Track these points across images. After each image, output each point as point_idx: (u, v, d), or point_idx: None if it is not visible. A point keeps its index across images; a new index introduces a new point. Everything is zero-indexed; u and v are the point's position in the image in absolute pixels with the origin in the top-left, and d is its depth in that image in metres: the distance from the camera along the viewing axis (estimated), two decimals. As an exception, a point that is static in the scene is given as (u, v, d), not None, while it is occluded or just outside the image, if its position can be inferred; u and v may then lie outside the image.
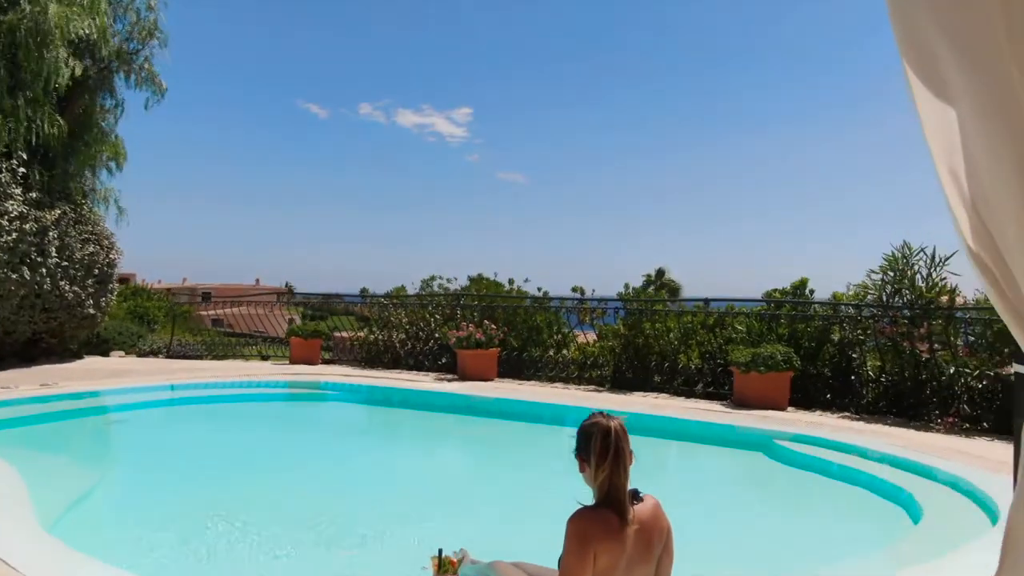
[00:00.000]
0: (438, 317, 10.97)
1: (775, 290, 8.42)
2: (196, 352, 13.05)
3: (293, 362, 11.23)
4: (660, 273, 59.08)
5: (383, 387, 8.73)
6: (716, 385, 8.24)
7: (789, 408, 7.39)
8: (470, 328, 9.43)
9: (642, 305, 9.03)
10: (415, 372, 10.37)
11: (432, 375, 9.99)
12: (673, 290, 59.35)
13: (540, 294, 10.72)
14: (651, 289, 58.77)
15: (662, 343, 8.81)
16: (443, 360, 10.43)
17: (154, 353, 13.39)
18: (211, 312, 79.10)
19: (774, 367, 7.25)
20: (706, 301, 8.71)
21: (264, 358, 12.47)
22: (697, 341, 8.86)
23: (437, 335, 10.63)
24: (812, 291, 8.12)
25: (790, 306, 8.13)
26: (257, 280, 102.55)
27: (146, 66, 10.84)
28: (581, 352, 9.57)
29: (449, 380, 9.34)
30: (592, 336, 10.23)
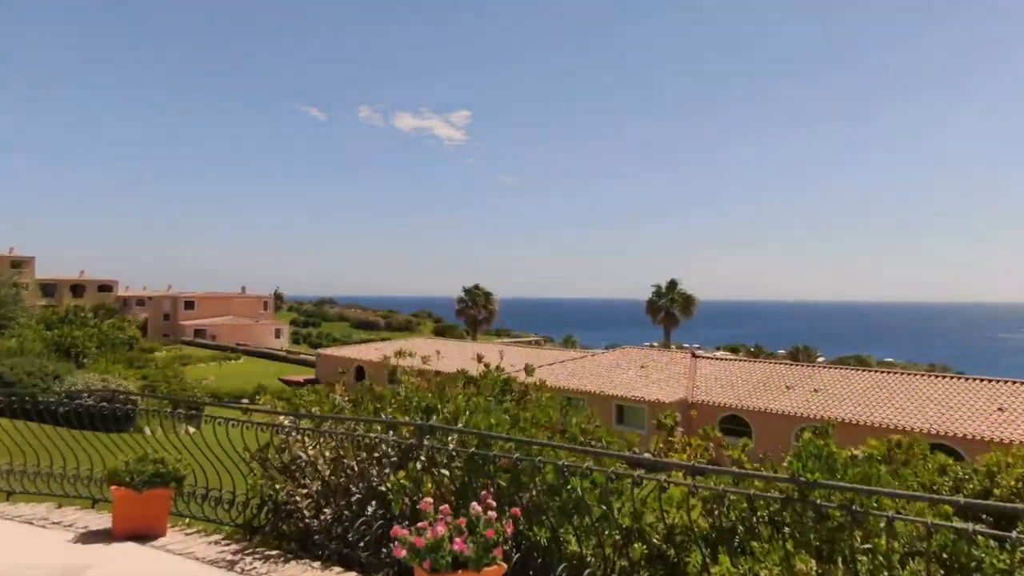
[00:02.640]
0: (392, 455, 5.67)
1: None
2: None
3: (117, 535, 5.91)
4: (672, 285, 53.43)
5: None
6: None
7: None
8: (439, 527, 4.15)
9: (868, 504, 3.64)
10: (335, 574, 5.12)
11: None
12: (687, 301, 53.57)
13: (586, 426, 5.36)
14: (663, 303, 53.24)
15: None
16: (388, 548, 5.18)
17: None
18: (194, 322, 74.75)
19: None
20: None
21: (93, 502, 7.08)
22: None
23: (386, 488, 5.37)
24: None
25: None
26: (243, 288, 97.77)
27: None
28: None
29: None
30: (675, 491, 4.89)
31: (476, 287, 65.09)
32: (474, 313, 64.69)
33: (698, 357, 34.72)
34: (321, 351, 48.59)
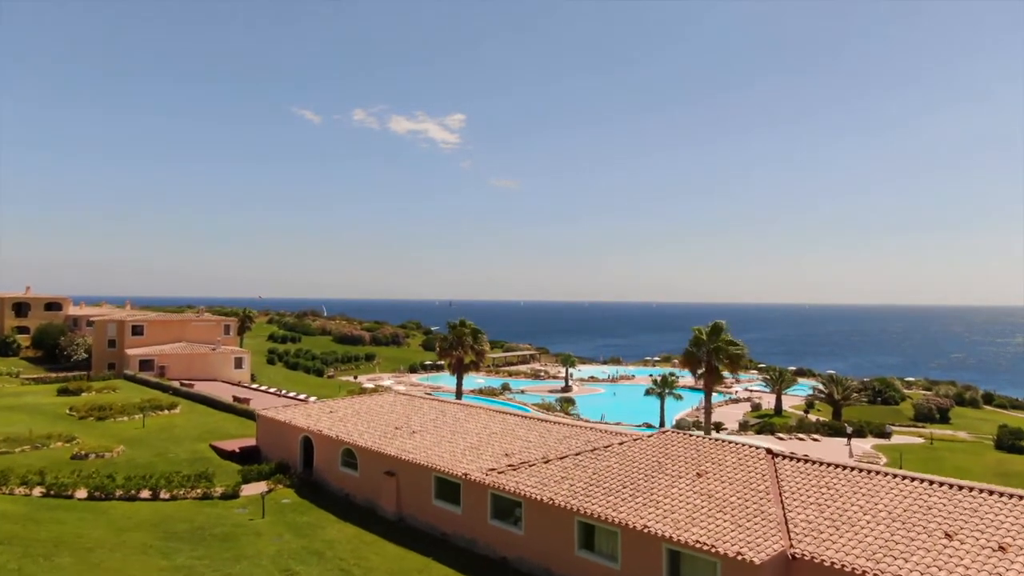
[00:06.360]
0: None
1: None
2: None
3: None
4: (716, 329, 40.66)
5: None
6: None
7: None
8: None
9: None
10: None
11: None
12: (734, 357, 41.10)
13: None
14: (702, 353, 41.33)
15: None
16: None
17: None
18: (141, 351, 58.89)
19: None
20: None
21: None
22: None
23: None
24: None
25: None
26: (200, 311, 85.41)
27: None
28: None
29: None
30: None
31: (463, 323, 52.66)
32: (459, 355, 51.86)
33: (776, 455, 23.18)
34: (262, 413, 36.50)
